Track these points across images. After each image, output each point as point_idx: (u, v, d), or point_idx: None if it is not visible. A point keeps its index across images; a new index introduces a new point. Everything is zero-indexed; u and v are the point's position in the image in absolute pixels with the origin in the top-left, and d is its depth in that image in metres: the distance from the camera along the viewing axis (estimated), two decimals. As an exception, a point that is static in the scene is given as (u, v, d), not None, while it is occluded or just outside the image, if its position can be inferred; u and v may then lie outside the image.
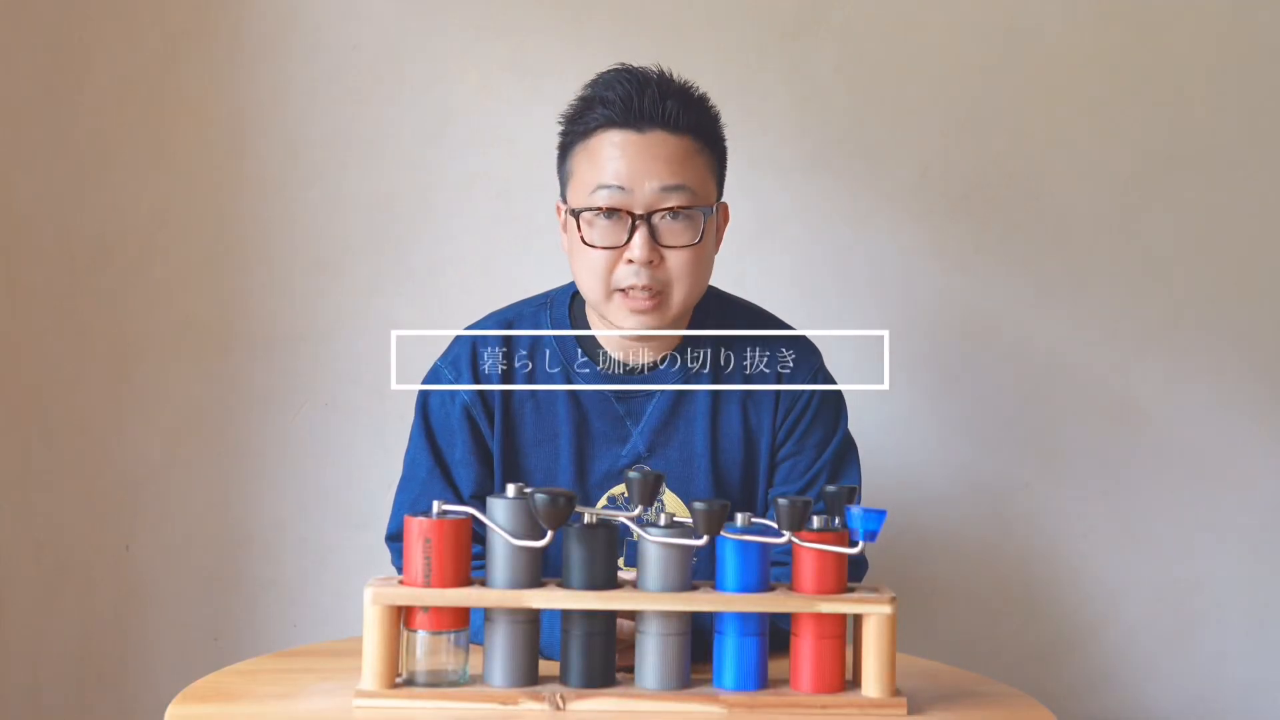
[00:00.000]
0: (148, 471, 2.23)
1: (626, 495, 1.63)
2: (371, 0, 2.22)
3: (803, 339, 1.74)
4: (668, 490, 1.66)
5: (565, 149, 1.66)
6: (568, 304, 1.71)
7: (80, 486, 2.22)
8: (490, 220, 2.23)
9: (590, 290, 1.61)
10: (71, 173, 2.21)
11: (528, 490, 1.29)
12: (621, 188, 1.57)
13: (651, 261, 1.57)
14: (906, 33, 2.26)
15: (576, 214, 1.59)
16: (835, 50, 2.25)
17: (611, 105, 1.59)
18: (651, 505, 1.32)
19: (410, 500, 1.67)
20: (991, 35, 2.26)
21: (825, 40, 2.25)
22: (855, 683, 1.34)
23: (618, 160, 1.58)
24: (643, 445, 1.67)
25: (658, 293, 1.58)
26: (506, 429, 1.67)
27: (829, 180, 2.25)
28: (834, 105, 2.25)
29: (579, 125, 1.62)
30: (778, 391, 1.69)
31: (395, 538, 1.68)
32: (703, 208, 1.60)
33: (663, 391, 1.67)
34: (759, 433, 1.68)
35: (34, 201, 2.21)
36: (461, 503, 1.63)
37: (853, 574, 1.39)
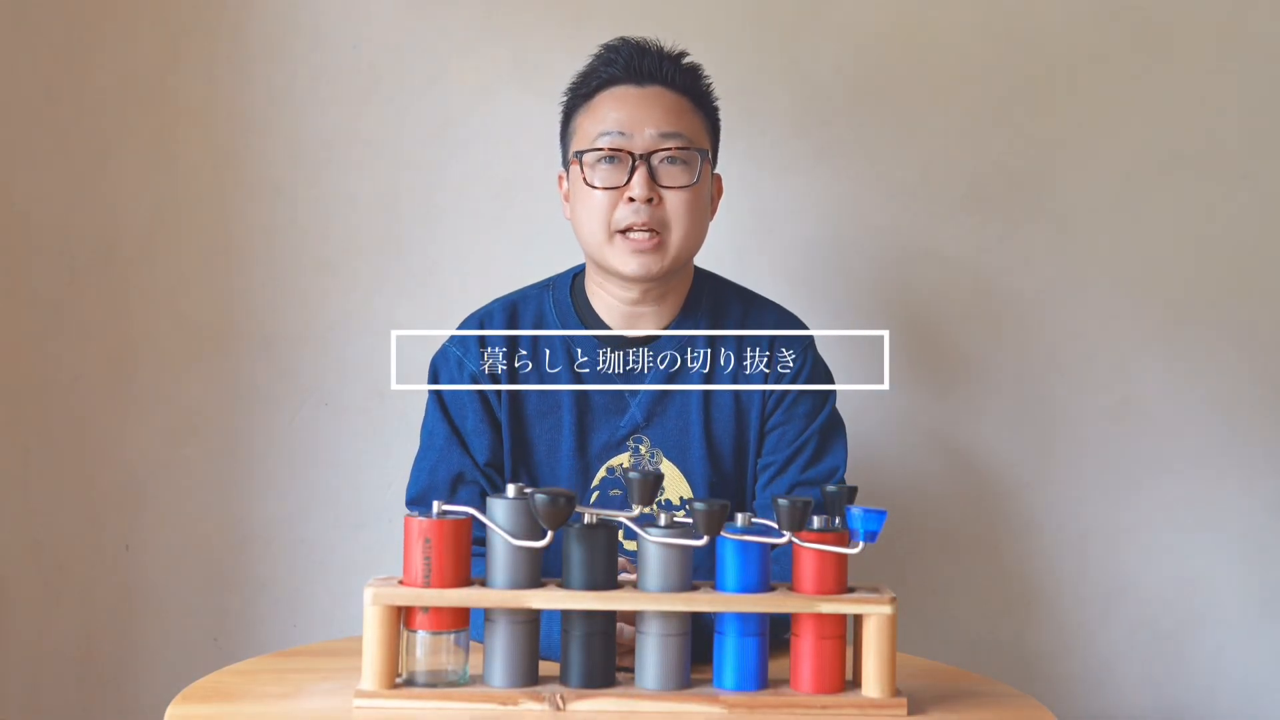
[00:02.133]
0: (148, 471, 2.23)
1: (625, 466, 1.72)
2: (371, 0, 2.22)
3: (793, 317, 1.80)
4: (665, 460, 1.72)
5: (568, 114, 1.76)
6: (569, 285, 1.78)
7: (80, 486, 2.22)
8: (490, 220, 2.23)
9: (591, 234, 1.68)
10: (71, 173, 2.21)
11: (528, 490, 1.29)
12: (622, 133, 1.67)
13: (651, 200, 1.65)
14: (906, 33, 2.26)
15: (579, 156, 1.68)
16: (835, 50, 2.25)
17: (614, 65, 1.71)
18: (652, 505, 1.32)
19: (430, 466, 1.74)
20: (992, 35, 2.26)
21: (825, 40, 2.25)
22: (855, 683, 1.34)
23: (618, 110, 1.68)
24: (640, 416, 1.72)
25: (656, 233, 1.66)
26: (512, 402, 1.73)
27: (829, 180, 2.25)
28: (834, 105, 2.25)
29: (582, 89, 1.74)
30: (766, 373, 1.75)
31: (417, 501, 1.74)
32: (699, 149, 1.69)
33: (660, 363, 1.73)
34: (749, 403, 1.74)
35: (34, 201, 2.21)
36: (477, 469, 1.71)
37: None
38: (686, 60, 1.74)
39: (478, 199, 2.23)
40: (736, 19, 2.24)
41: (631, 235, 1.66)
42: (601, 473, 1.72)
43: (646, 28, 2.22)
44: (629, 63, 1.71)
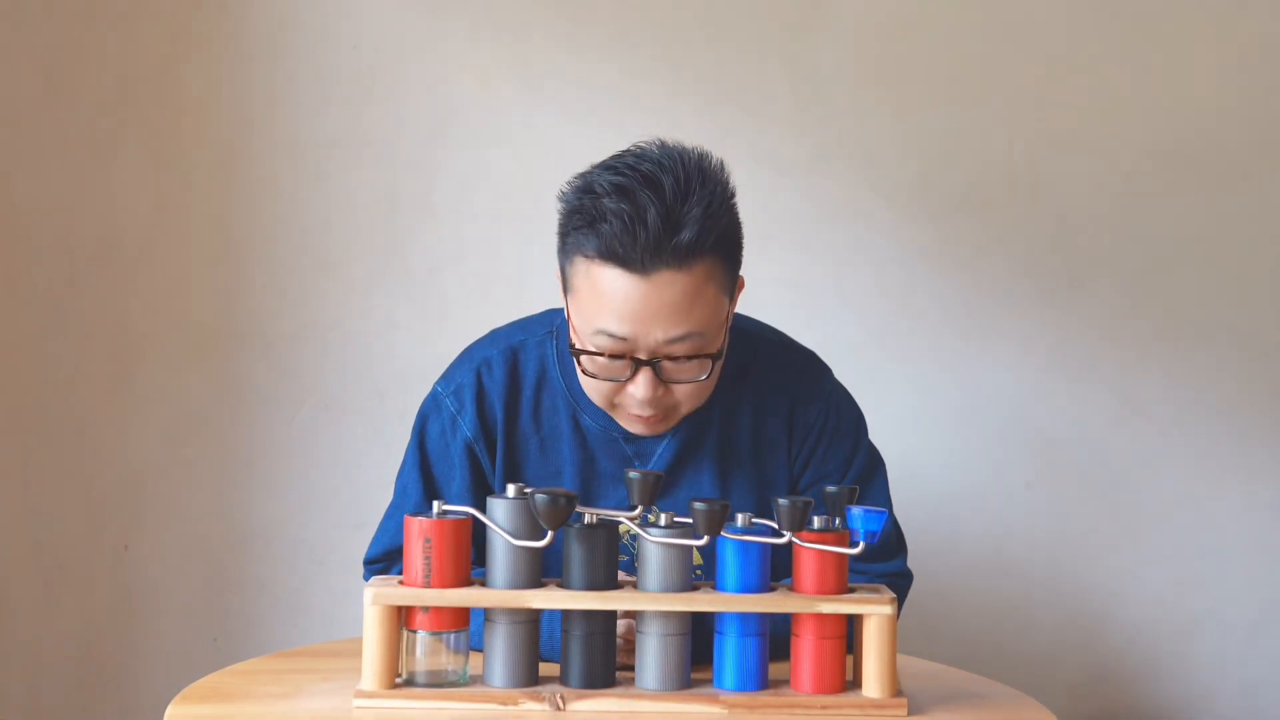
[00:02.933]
0: (148, 471, 2.23)
1: (632, 536, 1.54)
2: (371, 0, 2.22)
3: (813, 364, 1.65)
4: None
5: (565, 245, 1.50)
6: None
7: (80, 486, 2.22)
8: (490, 220, 2.23)
9: (589, 395, 1.53)
10: (72, 173, 2.21)
11: (528, 490, 1.29)
12: (624, 339, 1.43)
13: (655, 397, 1.47)
14: (906, 32, 2.26)
15: (576, 353, 1.48)
16: (835, 50, 2.25)
17: (610, 241, 1.41)
18: (651, 504, 1.31)
19: (398, 527, 1.54)
20: (991, 35, 2.26)
21: (825, 40, 2.25)
22: (856, 683, 1.34)
23: (620, 309, 1.43)
24: None
25: (662, 413, 1.50)
26: (509, 465, 1.58)
27: (829, 180, 2.25)
28: (834, 105, 2.25)
29: (578, 237, 1.46)
30: (789, 435, 1.60)
31: (375, 560, 1.61)
32: (711, 355, 1.47)
33: (673, 434, 1.57)
34: (775, 471, 1.60)
35: (34, 201, 2.21)
36: None
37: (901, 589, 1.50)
38: (697, 217, 1.42)
39: (477, 199, 2.23)
40: (736, 18, 2.24)
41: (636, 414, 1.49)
42: None
43: (647, 28, 2.22)
44: (627, 247, 1.40)
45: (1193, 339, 2.28)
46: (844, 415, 1.62)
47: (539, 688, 1.32)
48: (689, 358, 1.45)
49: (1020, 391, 2.27)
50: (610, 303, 1.43)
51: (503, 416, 1.58)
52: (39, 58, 2.20)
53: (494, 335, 1.65)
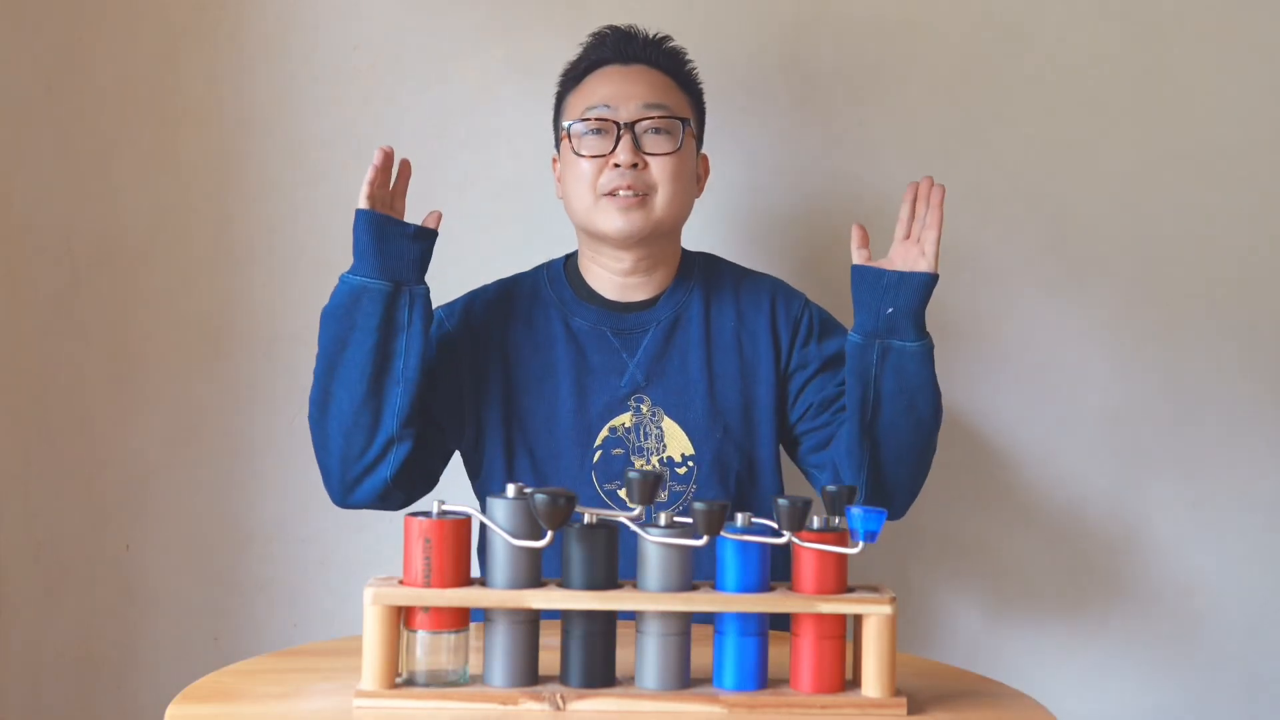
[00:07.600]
0: (148, 471, 2.23)
1: (628, 427, 1.76)
2: (371, 0, 2.22)
3: (791, 288, 1.88)
4: (666, 418, 1.77)
5: (560, 98, 1.87)
6: (562, 262, 1.87)
7: (80, 486, 2.22)
8: (490, 220, 2.23)
9: (579, 199, 1.77)
10: (72, 173, 2.21)
11: (528, 490, 1.29)
12: (608, 105, 1.77)
13: (635, 165, 1.74)
14: (907, 31, 2.26)
15: (568, 129, 1.78)
16: (835, 50, 2.25)
17: (602, 49, 1.83)
18: (652, 504, 1.31)
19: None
20: (992, 35, 2.26)
21: (825, 40, 2.25)
22: (855, 683, 1.35)
23: (605, 85, 1.79)
24: (640, 376, 1.78)
25: (641, 194, 1.75)
26: (506, 370, 1.78)
27: (829, 180, 2.25)
28: (834, 104, 2.25)
29: (572, 74, 1.85)
30: (773, 326, 1.81)
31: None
32: (681, 118, 1.78)
33: (657, 325, 1.80)
34: (755, 362, 1.80)
35: (34, 201, 2.21)
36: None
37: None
38: (670, 44, 1.85)
39: (478, 199, 2.23)
40: (736, 18, 2.24)
41: (617, 195, 1.74)
42: (604, 433, 1.77)
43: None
44: (616, 46, 1.82)
45: (1192, 339, 2.28)
46: (825, 313, 1.86)
47: (539, 688, 1.32)
48: (663, 123, 1.76)
49: (1019, 391, 2.27)
50: (597, 87, 1.79)
51: (492, 321, 1.81)
52: (39, 58, 2.20)
53: (492, 282, 1.90)
